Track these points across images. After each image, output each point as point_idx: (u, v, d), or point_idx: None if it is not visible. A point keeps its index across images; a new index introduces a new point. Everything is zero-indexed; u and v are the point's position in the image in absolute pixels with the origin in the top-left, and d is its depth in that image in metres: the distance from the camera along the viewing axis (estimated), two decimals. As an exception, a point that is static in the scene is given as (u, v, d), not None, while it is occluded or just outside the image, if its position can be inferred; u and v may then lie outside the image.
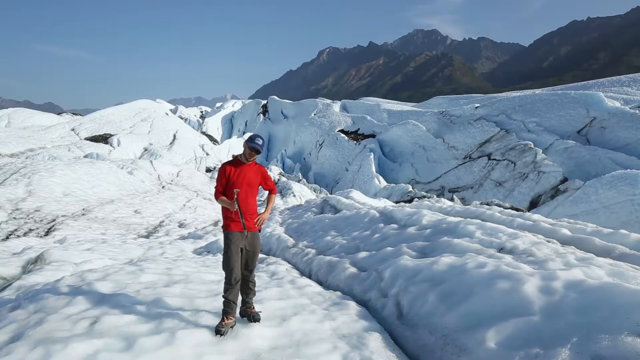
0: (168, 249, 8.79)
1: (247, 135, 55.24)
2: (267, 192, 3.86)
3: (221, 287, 4.74)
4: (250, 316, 3.58)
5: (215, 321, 3.57)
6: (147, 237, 12.64)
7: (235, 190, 3.44)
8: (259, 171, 3.66)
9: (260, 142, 3.47)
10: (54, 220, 13.11)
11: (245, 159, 3.54)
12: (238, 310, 3.65)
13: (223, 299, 3.43)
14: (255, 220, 3.55)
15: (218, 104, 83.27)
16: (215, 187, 3.59)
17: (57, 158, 26.95)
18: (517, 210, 9.22)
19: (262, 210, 3.71)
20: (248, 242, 3.52)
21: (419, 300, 4.00)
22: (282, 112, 59.68)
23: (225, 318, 3.35)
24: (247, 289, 3.62)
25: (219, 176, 3.56)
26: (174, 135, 42.91)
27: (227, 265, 3.42)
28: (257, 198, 3.78)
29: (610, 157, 21.10)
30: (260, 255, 7.89)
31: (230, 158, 3.65)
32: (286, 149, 50.42)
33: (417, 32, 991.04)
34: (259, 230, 3.65)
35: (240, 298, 3.62)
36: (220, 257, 7.76)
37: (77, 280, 4.51)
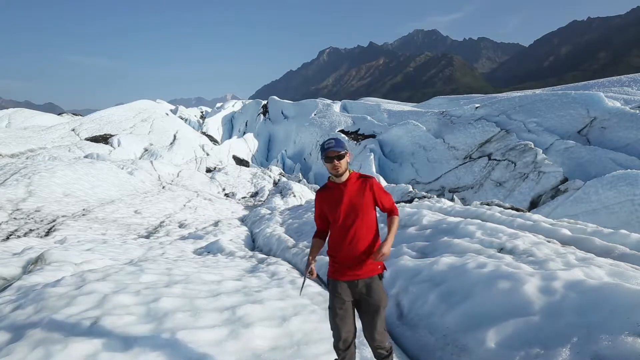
0: (168, 249, 8.78)
1: (247, 134, 55.25)
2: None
3: (222, 287, 4.74)
4: None
5: (215, 322, 3.57)
6: (147, 237, 12.64)
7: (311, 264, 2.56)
8: (365, 186, 2.49)
9: (332, 143, 2.43)
10: (54, 221, 13.11)
11: (335, 176, 2.50)
12: None
13: None
14: (372, 257, 2.42)
15: (218, 104, 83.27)
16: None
17: (58, 158, 26.96)
18: (517, 210, 9.21)
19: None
20: (362, 294, 2.49)
21: (419, 300, 4.00)
22: (282, 113, 59.68)
23: None
24: (377, 356, 2.57)
25: (315, 209, 2.68)
26: (174, 136, 42.88)
27: (331, 325, 2.53)
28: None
29: (611, 157, 21.08)
30: (260, 256, 7.87)
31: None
32: (286, 149, 50.41)
33: (417, 32, 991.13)
34: (381, 275, 2.54)
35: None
36: (220, 258, 7.74)
37: (78, 280, 4.51)
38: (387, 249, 2.38)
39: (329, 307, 2.55)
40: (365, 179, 2.52)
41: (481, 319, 3.31)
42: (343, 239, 2.47)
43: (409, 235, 6.69)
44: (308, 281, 5.57)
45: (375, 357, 2.61)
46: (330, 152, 2.42)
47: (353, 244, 2.46)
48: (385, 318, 2.58)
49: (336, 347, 2.53)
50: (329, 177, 2.56)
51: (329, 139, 2.47)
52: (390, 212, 2.59)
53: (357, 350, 2.67)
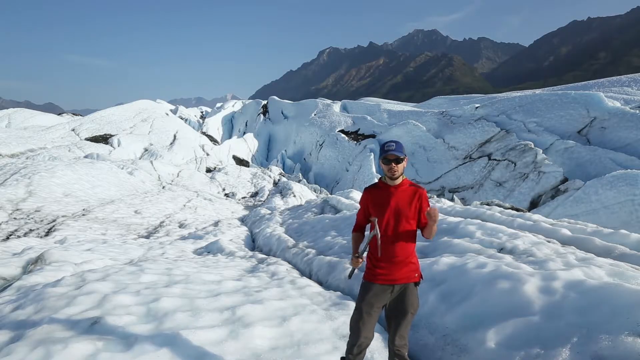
0: (168, 249, 8.78)
1: (247, 134, 55.23)
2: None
3: (222, 287, 4.73)
4: None
5: (215, 322, 3.57)
6: (147, 237, 12.64)
7: (373, 219, 2.49)
8: (414, 195, 2.49)
9: (392, 146, 2.43)
10: (54, 221, 13.10)
11: (390, 179, 2.48)
12: None
13: None
14: (425, 213, 2.40)
15: (218, 104, 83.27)
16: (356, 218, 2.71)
17: (58, 158, 26.95)
18: (517, 210, 9.21)
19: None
20: (395, 299, 2.51)
21: (419, 300, 4.00)
22: (282, 113, 59.67)
23: None
24: None
25: (360, 205, 2.68)
26: (174, 136, 42.88)
27: (352, 326, 2.52)
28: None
29: (611, 157, 21.07)
30: (260, 256, 7.87)
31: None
32: (286, 149, 50.40)
33: (417, 32, 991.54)
34: (417, 283, 2.55)
35: None
36: (220, 258, 7.74)
37: (78, 280, 4.51)
38: (437, 214, 2.35)
39: (356, 309, 2.53)
40: (416, 188, 2.51)
41: (481, 319, 3.31)
42: (384, 241, 2.47)
43: (409, 235, 6.68)
44: (308, 281, 5.58)
45: None
46: (390, 155, 2.41)
47: (393, 247, 2.46)
48: (410, 325, 2.57)
49: (350, 349, 2.52)
50: (381, 178, 2.59)
51: (389, 142, 2.47)
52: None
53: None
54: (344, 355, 2.59)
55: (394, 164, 2.43)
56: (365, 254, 2.54)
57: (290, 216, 12.98)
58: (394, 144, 2.44)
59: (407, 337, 2.54)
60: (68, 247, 7.87)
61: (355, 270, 2.65)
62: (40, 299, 3.89)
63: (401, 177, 2.50)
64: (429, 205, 2.51)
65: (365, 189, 2.64)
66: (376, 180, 2.66)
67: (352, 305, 4.29)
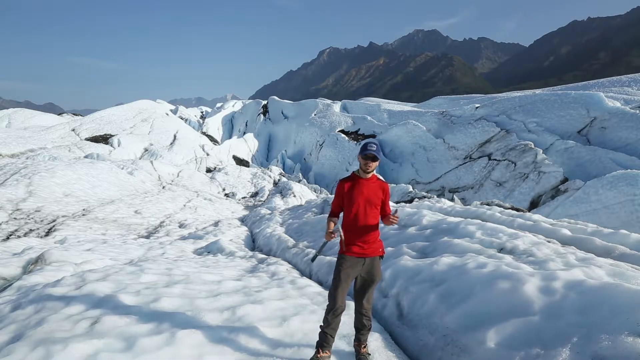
0: (168, 249, 8.78)
1: (247, 134, 55.24)
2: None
3: (222, 287, 4.74)
4: (360, 356, 3.15)
5: (215, 322, 3.58)
6: (147, 237, 12.64)
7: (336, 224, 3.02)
8: (380, 188, 3.07)
9: (373, 147, 2.92)
10: (54, 221, 13.11)
11: (364, 172, 3.01)
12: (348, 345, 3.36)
13: (320, 330, 3.04)
14: (389, 217, 3.00)
15: (218, 105, 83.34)
16: (331, 206, 3.17)
17: (58, 158, 26.95)
18: (517, 210, 9.21)
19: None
20: (365, 270, 3.04)
21: (419, 300, 4.00)
22: (282, 113, 59.69)
23: (319, 351, 2.99)
24: (361, 324, 3.14)
25: (335, 195, 3.16)
26: (175, 136, 42.90)
27: (331, 294, 3.00)
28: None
29: (611, 157, 21.08)
30: (260, 256, 7.88)
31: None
32: (286, 149, 50.41)
33: (418, 32, 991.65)
34: (381, 257, 3.15)
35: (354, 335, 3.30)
36: (220, 258, 7.75)
37: (78, 280, 4.51)
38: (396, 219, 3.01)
39: (335, 278, 3.00)
40: (382, 182, 3.12)
41: (481, 319, 3.31)
42: (357, 224, 3.01)
43: (409, 235, 6.68)
44: (308, 281, 5.59)
45: (358, 326, 3.14)
46: (370, 153, 2.92)
47: (365, 228, 3.01)
48: (374, 291, 3.21)
49: (330, 311, 2.98)
50: (355, 171, 3.10)
51: (372, 142, 2.99)
52: (386, 214, 3.16)
53: (333, 344, 3.11)
54: (322, 323, 3.02)
55: (370, 161, 2.95)
56: (338, 232, 3.00)
57: (290, 216, 12.98)
58: (375, 145, 2.95)
59: (372, 301, 3.20)
60: (68, 247, 7.87)
61: (318, 256, 3.12)
62: (40, 299, 3.89)
63: (372, 172, 3.04)
64: (389, 198, 3.11)
65: (341, 180, 3.12)
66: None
67: (352, 305, 4.29)
